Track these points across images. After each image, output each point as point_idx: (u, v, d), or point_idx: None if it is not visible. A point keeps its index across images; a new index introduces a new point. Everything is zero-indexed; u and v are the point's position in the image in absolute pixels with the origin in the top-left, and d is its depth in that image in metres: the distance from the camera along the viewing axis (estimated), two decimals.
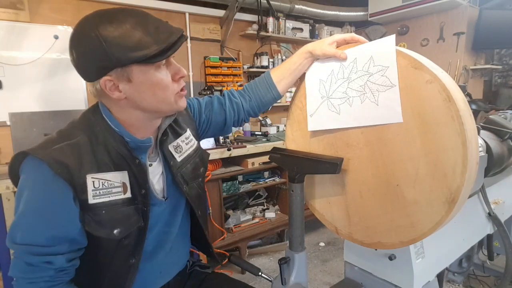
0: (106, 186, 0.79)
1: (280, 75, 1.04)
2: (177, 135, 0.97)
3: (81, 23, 0.74)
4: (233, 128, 1.15)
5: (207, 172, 2.40)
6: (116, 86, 0.75)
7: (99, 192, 0.77)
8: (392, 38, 0.80)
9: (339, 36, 0.93)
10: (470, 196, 1.08)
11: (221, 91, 3.02)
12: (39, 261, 0.72)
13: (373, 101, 0.83)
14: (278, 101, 1.13)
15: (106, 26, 0.70)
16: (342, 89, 0.89)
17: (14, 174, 0.78)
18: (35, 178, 0.74)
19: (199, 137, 1.08)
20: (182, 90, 0.83)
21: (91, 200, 0.76)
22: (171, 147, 0.94)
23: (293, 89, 1.06)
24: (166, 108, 0.82)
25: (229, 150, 2.54)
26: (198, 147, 1.05)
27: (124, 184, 0.81)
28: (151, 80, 0.75)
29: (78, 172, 0.74)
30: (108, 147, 0.80)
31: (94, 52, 0.70)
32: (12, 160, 0.77)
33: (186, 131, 1.00)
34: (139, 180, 0.83)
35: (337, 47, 0.93)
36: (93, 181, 0.77)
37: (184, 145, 0.98)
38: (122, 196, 0.81)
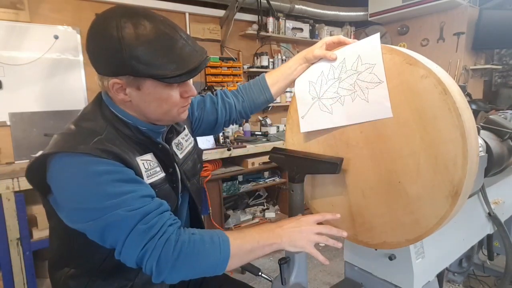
0: (152, 167, 0.82)
1: (275, 78, 1.07)
2: (177, 132, 0.98)
3: (107, 16, 0.70)
4: (224, 127, 1.17)
5: (207, 172, 2.41)
6: (123, 88, 0.75)
7: (150, 173, 0.81)
8: (377, 36, 0.82)
9: (328, 38, 0.96)
10: (470, 196, 1.08)
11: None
12: (152, 216, 0.70)
13: (363, 98, 0.84)
14: (277, 101, 1.15)
15: (131, 31, 0.68)
16: (334, 89, 0.91)
17: (39, 176, 0.73)
18: (100, 167, 0.70)
19: (193, 135, 1.10)
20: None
21: (147, 181, 0.79)
22: (173, 144, 0.95)
23: (293, 90, 1.06)
24: (167, 119, 0.83)
25: (229, 150, 2.54)
26: (195, 144, 1.08)
27: (159, 164, 0.85)
28: (160, 94, 0.76)
29: (128, 157, 0.75)
30: (129, 137, 0.80)
31: (113, 54, 0.69)
32: (38, 160, 0.72)
33: (184, 129, 1.02)
34: (165, 161, 0.87)
35: (327, 49, 0.95)
36: (143, 163, 0.80)
37: (184, 142, 1.00)
38: (162, 175, 0.84)
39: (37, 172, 0.73)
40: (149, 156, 0.82)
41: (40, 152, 0.75)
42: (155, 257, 0.67)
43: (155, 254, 0.67)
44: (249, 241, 0.76)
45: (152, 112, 0.79)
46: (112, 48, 0.68)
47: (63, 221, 0.76)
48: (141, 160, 0.80)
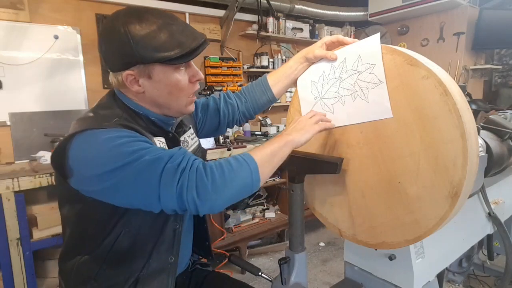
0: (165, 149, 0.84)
1: (276, 78, 1.09)
2: (183, 131, 1.01)
3: (113, 17, 0.78)
4: (228, 128, 1.20)
5: None
6: (136, 80, 0.80)
7: None
8: (377, 36, 0.82)
9: (327, 38, 0.97)
10: (470, 196, 1.08)
11: (221, 91, 3.02)
12: (178, 155, 0.73)
13: (363, 98, 0.84)
14: (278, 101, 1.16)
15: (135, 25, 0.75)
16: (334, 89, 0.91)
17: (62, 159, 0.75)
18: (121, 133, 0.73)
19: (197, 136, 1.12)
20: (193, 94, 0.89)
21: None
22: (181, 140, 0.97)
23: (293, 90, 1.06)
24: (176, 108, 0.87)
25: (229, 150, 2.54)
26: (199, 143, 1.10)
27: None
28: (169, 79, 0.81)
29: (146, 135, 0.79)
30: (141, 126, 0.84)
31: (122, 47, 0.76)
32: (65, 141, 0.74)
33: (190, 128, 1.04)
34: None
35: (327, 49, 0.96)
36: (159, 143, 0.84)
37: (190, 140, 1.03)
38: None
39: (60, 154, 0.75)
40: (162, 139, 0.87)
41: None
42: (192, 187, 0.69)
43: (191, 185, 0.69)
44: (266, 147, 0.80)
45: (164, 100, 0.84)
46: (121, 42, 0.75)
47: (76, 207, 0.80)
48: (158, 140, 0.84)
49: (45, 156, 2.12)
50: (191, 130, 1.05)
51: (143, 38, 0.75)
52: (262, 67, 3.44)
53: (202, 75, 0.87)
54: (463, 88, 0.97)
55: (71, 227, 0.88)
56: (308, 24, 3.78)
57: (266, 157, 0.78)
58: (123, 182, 0.70)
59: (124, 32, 0.74)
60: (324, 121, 0.90)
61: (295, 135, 0.83)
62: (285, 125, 1.22)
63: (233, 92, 1.17)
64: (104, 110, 0.82)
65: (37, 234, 1.86)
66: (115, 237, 0.81)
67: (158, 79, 0.80)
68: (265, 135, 3.12)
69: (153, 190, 0.70)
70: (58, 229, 1.89)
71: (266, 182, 2.90)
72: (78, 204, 0.81)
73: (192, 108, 0.90)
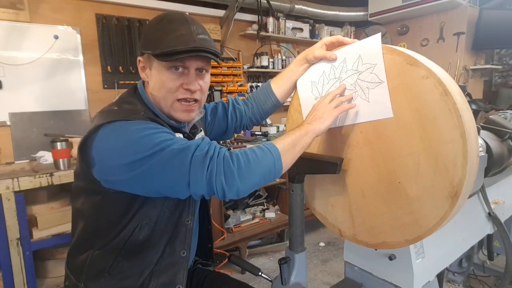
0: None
1: (279, 82, 1.11)
2: (194, 134, 1.03)
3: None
4: (235, 133, 1.23)
5: None
6: (143, 67, 0.90)
7: None
8: (377, 36, 0.82)
9: (327, 39, 0.97)
10: (470, 196, 1.08)
11: (221, 90, 3.02)
12: (204, 144, 0.78)
13: (364, 98, 0.84)
14: (283, 104, 1.17)
15: (153, 21, 0.87)
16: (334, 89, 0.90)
17: (89, 145, 0.79)
18: (148, 124, 0.79)
19: None
20: (188, 101, 0.89)
21: None
22: None
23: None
24: (165, 107, 0.89)
25: (229, 150, 2.54)
26: None
27: None
28: (159, 75, 0.86)
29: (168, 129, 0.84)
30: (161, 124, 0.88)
31: (141, 36, 0.89)
32: (94, 130, 0.78)
33: (201, 131, 1.07)
34: None
35: (327, 50, 0.96)
36: (180, 136, 0.87)
37: None
38: None
39: (86, 145, 0.80)
40: (180, 135, 0.90)
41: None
42: (220, 172, 0.73)
43: (219, 170, 0.74)
44: (287, 137, 0.83)
45: (157, 94, 0.88)
46: (142, 32, 0.88)
47: (93, 199, 0.82)
48: (177, 135, 0.87)
49: (45, 156, 2.12)
50: (202, 133, 1.07)
51: (147, 32, 0.86)
52: (262, 67, 3.44)
53: (194, 87, 0.87)
54: (463, 88, 0.97)
55: (85, 220, 0.88)
56: (308, 24, 3.78)
57: (288, 146, 0.81)
58: (152, 170, 0.73)
59: (146, 25, 0.87)
60: (344, 100, 0.88)
61: (315, 124, 0.84)
62: (285, 125, 1.23)
63: (234, 91, 1.19)
64: (128, 104, 0.87)
65: (37, 234, 1.86)
66: (132, 229, 0.84)
67: (154, 72, 0.87)
68: (265, 135, 3.12)
69: (182, 176, 0.73)
70: (58, 229, 1.89)
71: None
72: (95, 196, 0.83)
73: (181, 115, 0.90)
